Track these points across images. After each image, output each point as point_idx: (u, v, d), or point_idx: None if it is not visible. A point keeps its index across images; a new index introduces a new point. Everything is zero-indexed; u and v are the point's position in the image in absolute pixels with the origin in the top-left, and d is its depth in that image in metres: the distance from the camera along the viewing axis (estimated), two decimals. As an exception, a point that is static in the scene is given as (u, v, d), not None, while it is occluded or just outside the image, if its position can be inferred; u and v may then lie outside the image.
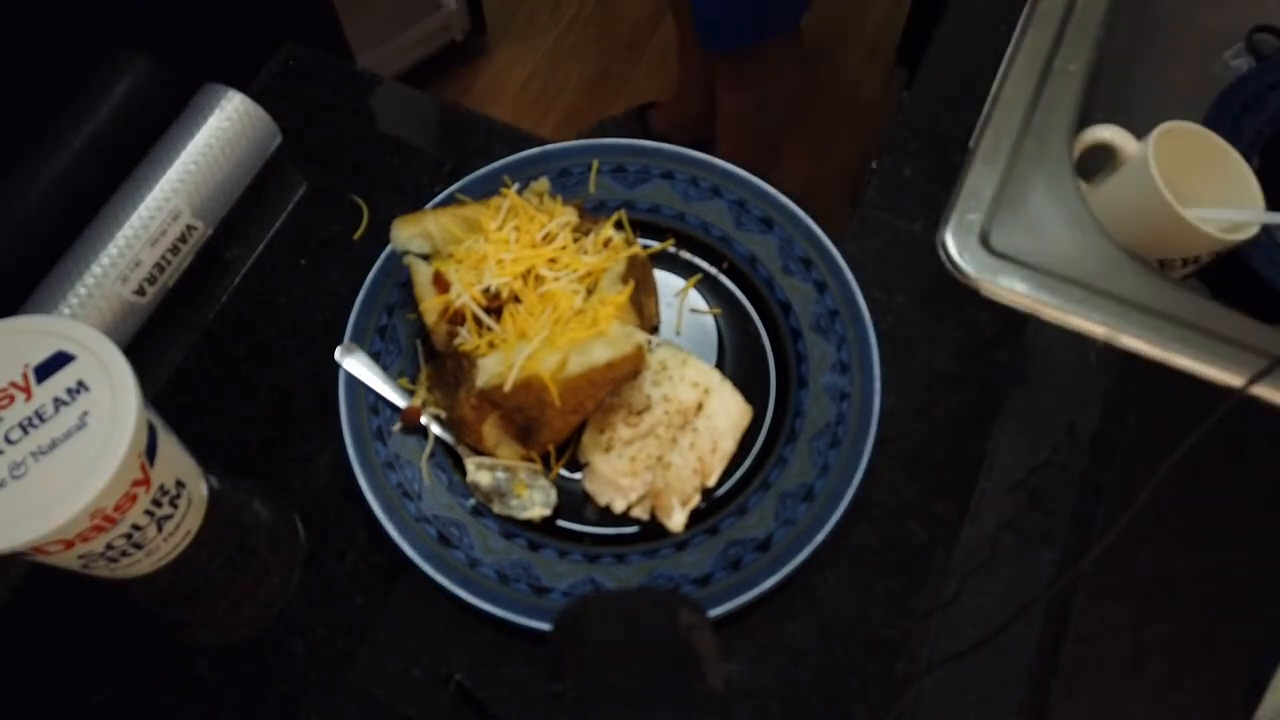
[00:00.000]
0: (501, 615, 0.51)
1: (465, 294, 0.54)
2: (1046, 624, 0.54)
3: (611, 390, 0.54)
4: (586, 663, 0.37)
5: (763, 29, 1.16)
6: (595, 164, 0.65)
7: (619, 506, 0.55)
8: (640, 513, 0.56)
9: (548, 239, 0.56)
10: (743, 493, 0.56)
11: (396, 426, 0.57)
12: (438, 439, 0.57)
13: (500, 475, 0.56)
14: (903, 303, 0.63)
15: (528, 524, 0.55)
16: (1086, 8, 0.73)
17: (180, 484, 0.43)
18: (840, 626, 0.54)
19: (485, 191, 0.62)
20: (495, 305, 0.54)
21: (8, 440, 0.37)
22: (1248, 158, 0.68)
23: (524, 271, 0.55)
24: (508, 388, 0.51)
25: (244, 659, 0.53)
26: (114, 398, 0.38)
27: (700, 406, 0.56)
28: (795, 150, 1.64)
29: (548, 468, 0.57)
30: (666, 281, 0.63)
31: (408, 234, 0.57)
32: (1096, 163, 0.71)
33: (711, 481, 0.56)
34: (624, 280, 0.55)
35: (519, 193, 0.59)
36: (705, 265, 0.63)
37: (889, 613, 0.54)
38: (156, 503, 0.41)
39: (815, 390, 0.58)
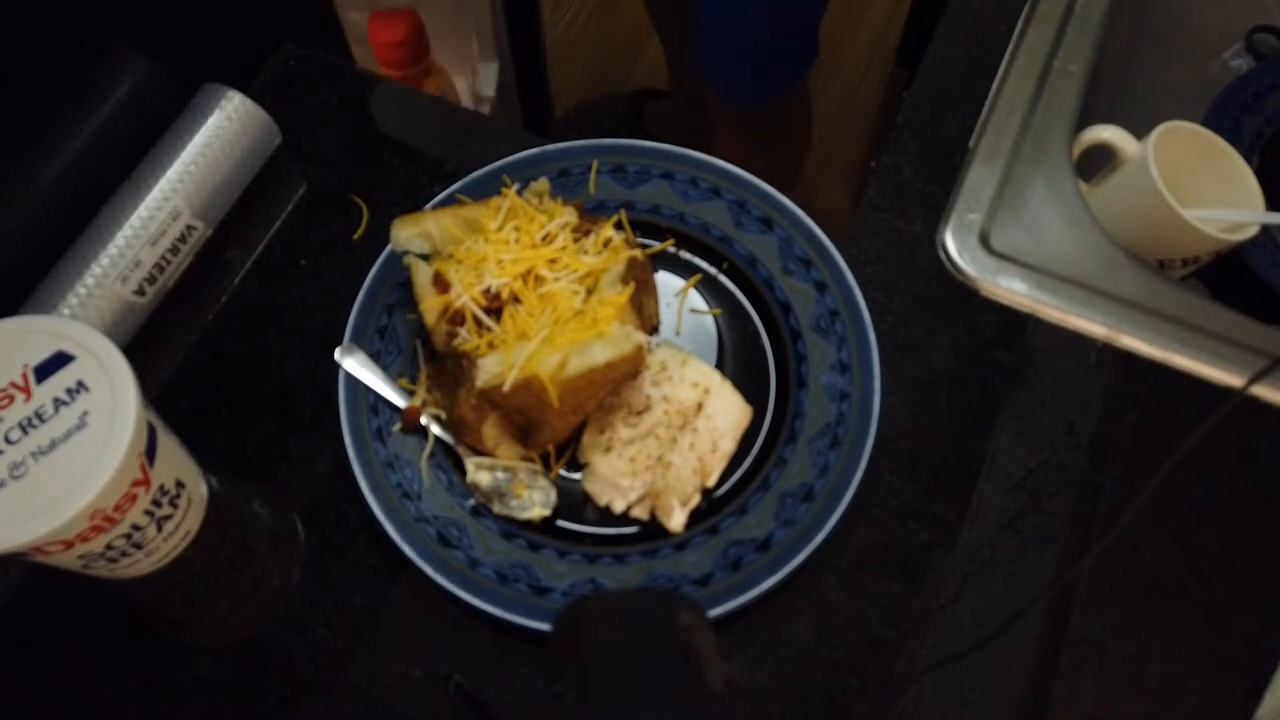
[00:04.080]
0: (501, 615, 0.51)
1: (465, 294, 0.54)
2: (1046, 624, 0.54)
3: (611, 390, 0.55)
4: (586, 663, 0.38)
5: (765, 89, 1.14)
6: (595, 164, 0.65)
7: (619, 507, 0.55)
8: (640, 513, 0.56)
9: (548, 239, 0.56)
10: (743, 493, 0.56)
11: (396, 427, 0.57)
12: (438, 439, 0.57)
13: (500, 475, 0.56)
14: (903, 303, 0.63)
15: (528, 524, 0.55)
16: (1086, 8, 0.73)
17: (180, 484, 0.43)
18: (840, 626, 0.54)
19: (485, 192, 0.62)
20: (495, 305, 0.54)
21: (7, 440, 0.37)
22: (1248, 158, 0.68)
23: (524, 272, 0.55)
24: (507, 388, 0.51)
25: (244, 659, 0.53)
26: (114, 398, 0.38)
27: (700, 407, 0.56)
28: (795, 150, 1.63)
29: (548, 468, 0.57)
30: (666, 281, 0.63)
31: (408, 234, 0.57)
32: (1096, 163, 0.71)
33: (711, 482, 0.56)
34: (624, 281, 0.55)
35: (519, 193, 0.59)
36: (705, 265, 0.63)
37: (889, 613, 0.54)
38: (156, 503, 0.41)
39: (815, 390, 0.58)
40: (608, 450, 0.55)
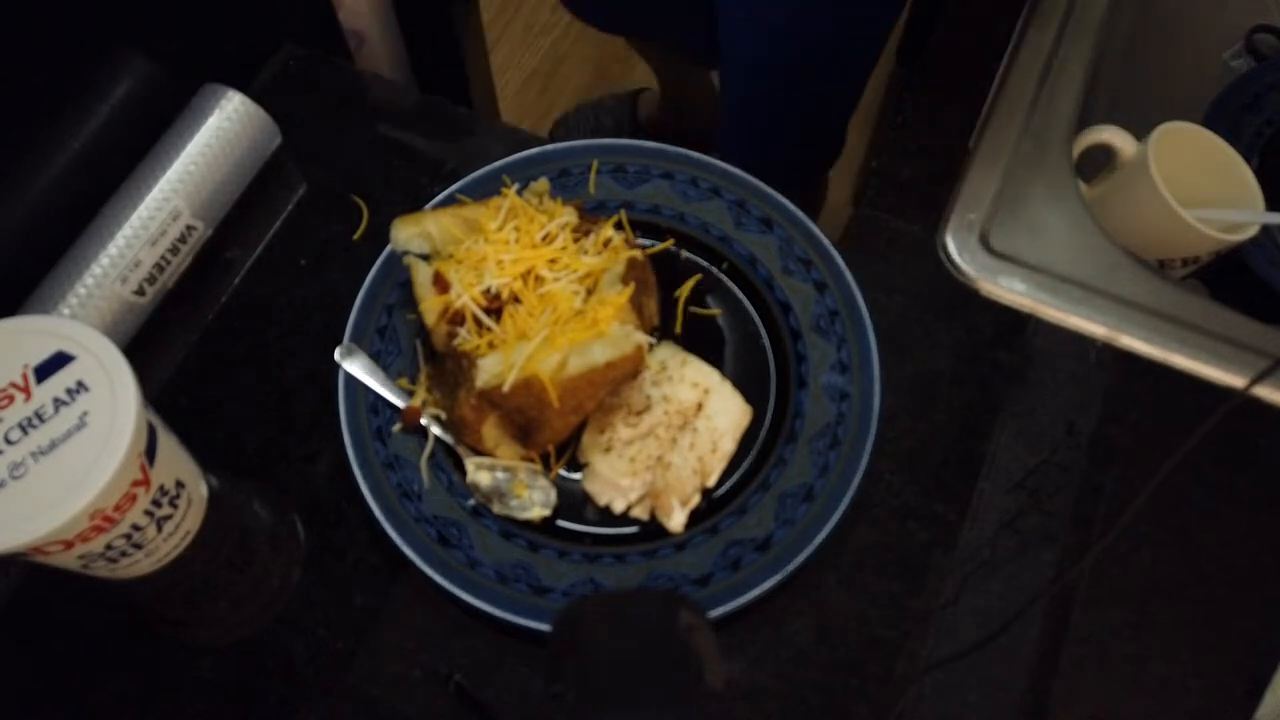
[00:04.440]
0: (501, 615, 0.51)
1: (465, 294, 0.54)
2: (1046, 624, 0.54)
3: (611, 390, 0.54)
4: (586, 663, 0.37)
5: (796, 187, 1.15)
6: (595, 164, 0.65)
7: (619, 507, 0.55)
8: (640, 513, 0.56)
9: (547, 239, 0.56)
10: (742, 493, 0.56)
11: (396, 427, 0.57)
12: (438, 439, 0.57)
13: (500, 475, 0.56)
14: (903, 303, 0.63)
15: (528, 524, 0.55)
16: (1086, 8, 0.73)
17: (180, 484, 0.43)
18: (840, 626, 0.54)
19: (485, 192, 0.62)
20: (495, 306, 0.54)
21: (7, 440, 0.37)
22: (1248, 158, 0.68)
23: (524, 272, 0.55)
24: (506, 388, 0.51)
25: (244, 659, 0.53)
26: (114, 398, 0.38)
27: (700, 407, 0.56)
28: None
29: (548, 468, 0.57)
30: (666, 282, 0.63)
31: (408, 234, 0.57)
32: (1096, 163, 0.71)
33: (711, 482, 0.56)
34: (624, 281, 0.55)
35: (519, 193, 0.59)
36: (705, 265, 0.63)
37: (889, 613, 0.54)
38: (156, 503, 0.41)
39: (815, 390, 0.58)
40: (608, 450, 0.55)
